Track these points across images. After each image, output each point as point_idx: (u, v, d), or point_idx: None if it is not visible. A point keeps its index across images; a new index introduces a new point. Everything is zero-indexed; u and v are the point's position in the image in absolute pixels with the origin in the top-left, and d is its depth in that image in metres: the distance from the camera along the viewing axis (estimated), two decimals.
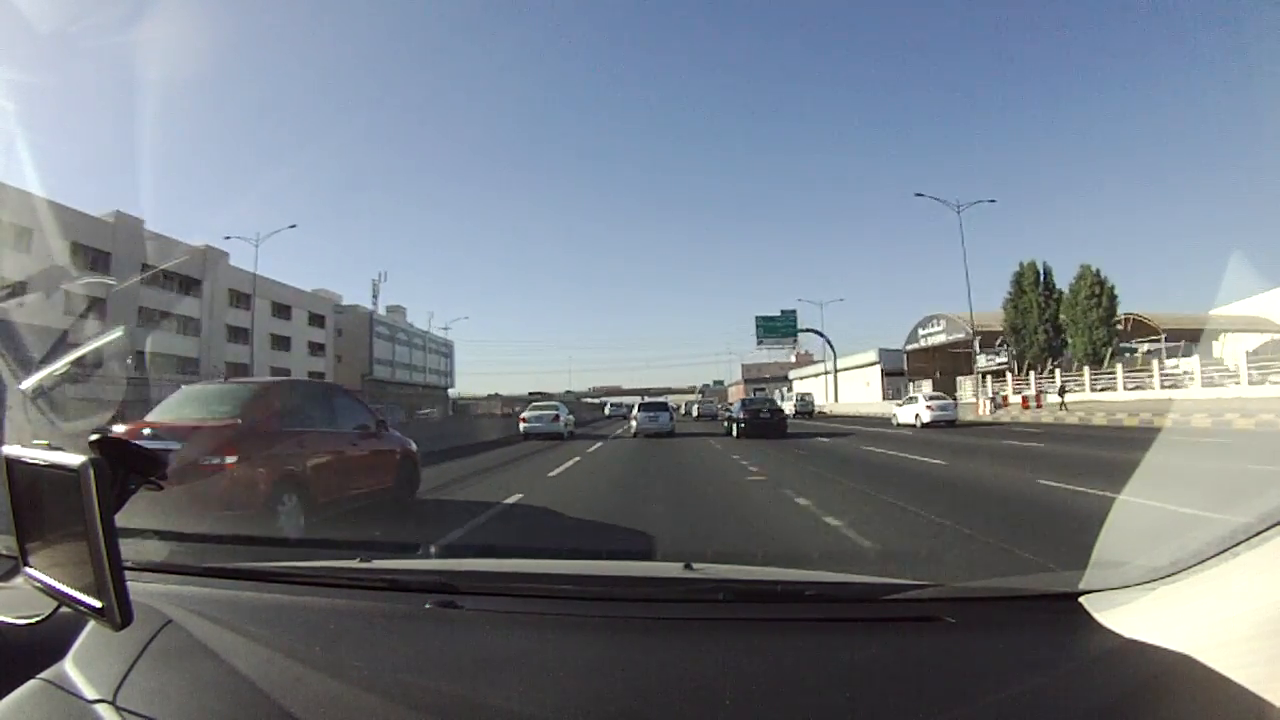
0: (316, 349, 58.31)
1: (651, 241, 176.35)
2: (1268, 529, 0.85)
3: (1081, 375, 33.49)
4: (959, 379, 44.02)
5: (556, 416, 22.21)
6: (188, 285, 43.71)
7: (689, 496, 8.00)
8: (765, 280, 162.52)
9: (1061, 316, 36.17)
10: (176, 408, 5.95)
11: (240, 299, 47.16)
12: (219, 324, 46.01)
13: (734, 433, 20.63)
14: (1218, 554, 0.91)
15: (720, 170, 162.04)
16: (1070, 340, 35.80)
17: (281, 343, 54.16)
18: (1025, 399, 32.04)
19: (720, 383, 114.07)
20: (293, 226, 43.18)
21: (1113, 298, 34.35)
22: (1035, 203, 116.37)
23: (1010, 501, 6.93)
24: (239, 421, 5.50)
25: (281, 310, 54.56)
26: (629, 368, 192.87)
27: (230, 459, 5.12)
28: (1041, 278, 37.45)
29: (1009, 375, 38.53)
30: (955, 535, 5.22)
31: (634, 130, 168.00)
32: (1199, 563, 0.94)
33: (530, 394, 42.46)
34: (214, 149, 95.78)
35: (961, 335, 43.11)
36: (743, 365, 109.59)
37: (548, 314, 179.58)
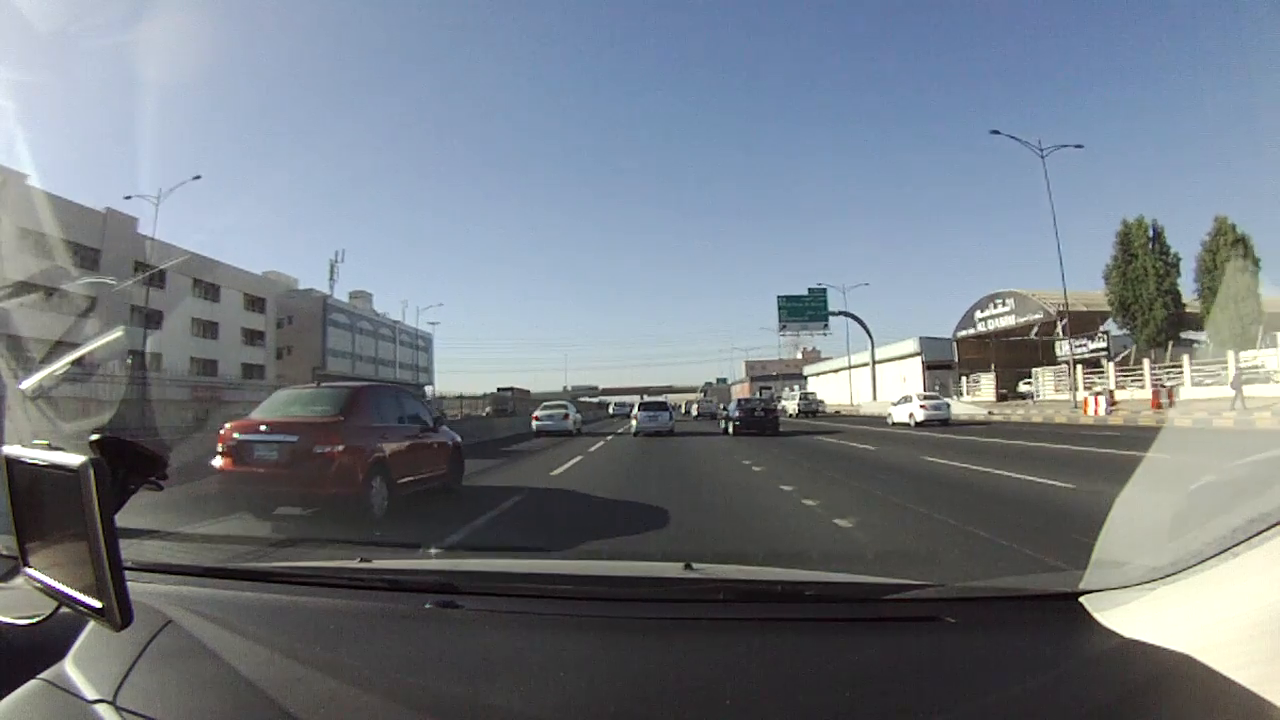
0: (255, 337, 50.37)
1: (651, 236, 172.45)
2: (1268, 529, 0.85)
3: (1223, 362, 24.54)
4: (1036, 371, 36.40)
5: (566, 415, 24.51)
6: (84, 256, 34.91)
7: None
8: (774, 274, 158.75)
9: (1186, 285, 28.50)
10: (281, 407, 7.06)
11: (157, 277, 35.44)
12: (121, 304, 34.85)
13: (729, 430, 21.68)
14: (1218, 554, 0.91)
15: (724, 161, 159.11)
16: (1210, 316, 26.88)
17: (207, 329, 45.62)
18: (1156, 394, 24.93)
19: (724, 380, 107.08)
20: (197, 178, 35.03)
21: (1257, 261, 26.20)
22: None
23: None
24: (341, 418, 6.54)
25: (208, 291, 45.23)
26: (628, 365, 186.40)
27: (338, 448, 6.25)
28: (1153, 237, 29.51)
29: (1108, 364, 30.36)
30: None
31: (631, 122, 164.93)
32: (1199, 563, 0.94)
33: (499, 389, 39.26)
34: (208, 145, 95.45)
35: (1036, 316, 35.48)
36: (747, 363, 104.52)
37: (542, 311, 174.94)
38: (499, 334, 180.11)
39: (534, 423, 24.12)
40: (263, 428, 6.47)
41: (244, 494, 6.45)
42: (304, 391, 7.55)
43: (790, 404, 43.56)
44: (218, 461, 6.52)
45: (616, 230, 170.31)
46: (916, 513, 6.31)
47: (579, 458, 13.57)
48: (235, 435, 6.52)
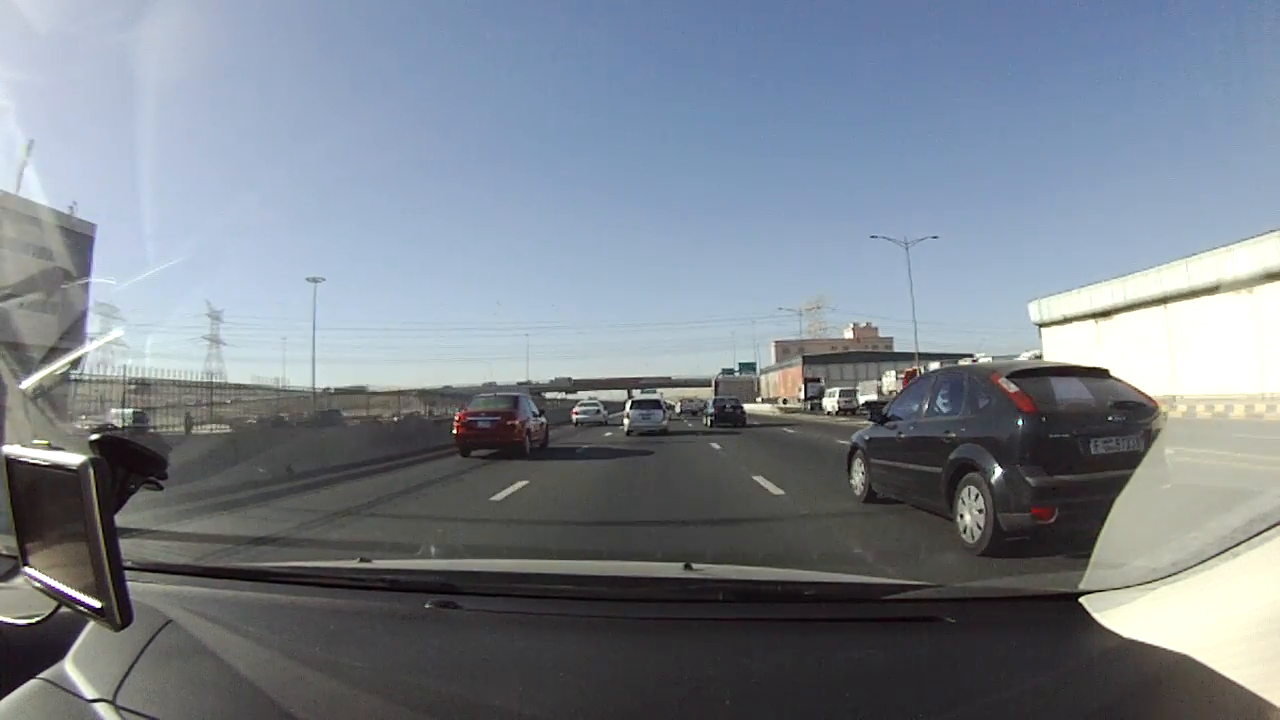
0: None
1: (645, 209, 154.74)
2: (1268, 529, 0.85)
3: None
4: None
5: (599, 411, 33.00)
6: None
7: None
8: (789, 247, 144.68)
9: None
10: (484, 403, 15.05)
11: None
12: None
13: (708, 423, 27.95)
14: (1218, 554, 0.91)
15: (727, 117, 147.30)
16: None
17: None
18: None
19: (749, 367, 74.99)
20: None
21: None
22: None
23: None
24: (515, 409, 14.22)
25: None
26: (620, 353, 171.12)
27: (515, 422, 13.83)
28: None
29: None
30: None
31: (619, 94, 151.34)
32: (1199, 563, 0.94)
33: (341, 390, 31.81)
34: (215, 146, 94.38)
35: None
36: (775, 343, 78.88)
37: (501, 294, 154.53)
38: (442, 318, 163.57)
39: (574, 416, 32.55)
40: (482, 412, 14.28)
41: (472, 443, 13.84)
42: (493, 395, 17.30)
43: (830, 401, 38.26)
44: (455, 430, 14.22)
45: (599, 202, 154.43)
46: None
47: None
48: (468, 417, 14.30)
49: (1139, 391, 5.02)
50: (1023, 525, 4.22)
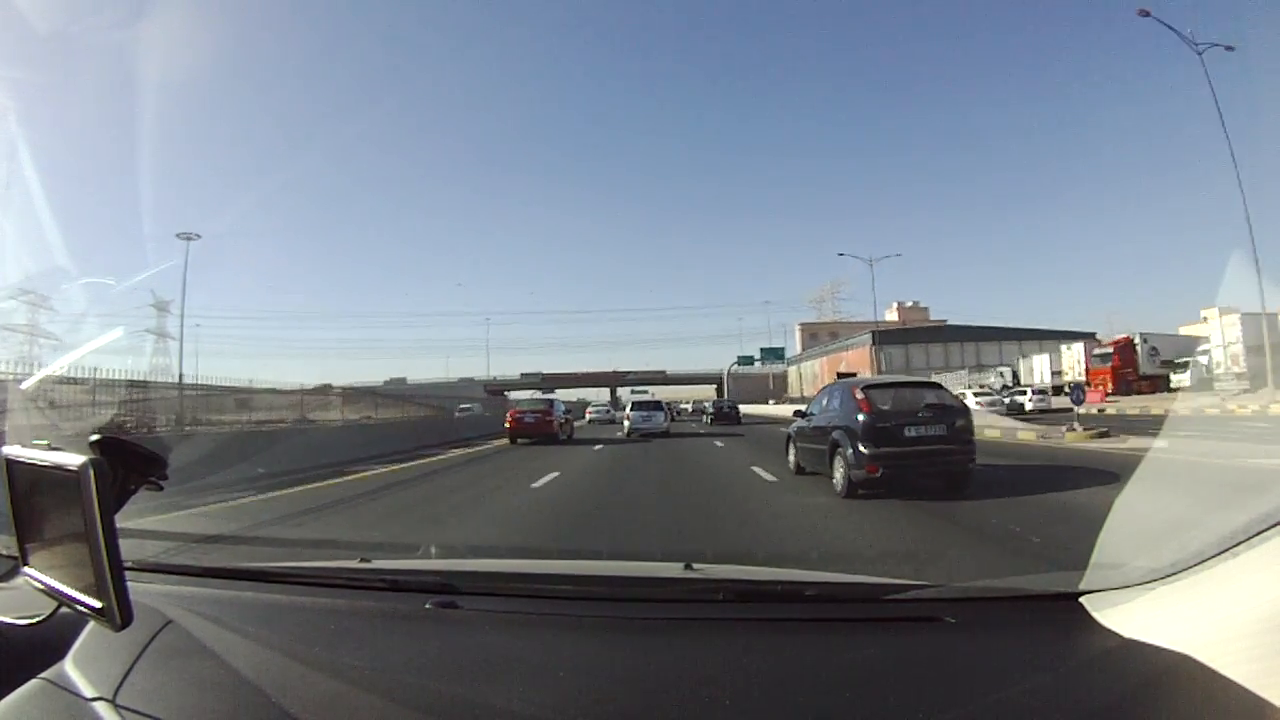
0: None
1: (637, 194, 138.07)
2: (1268, 529, 0.85)
3: None
4: None
5: (609, 410, 38.26)
6: None
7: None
8: (798, 236, 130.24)
9: None
10: (527, 404, 22.09)
11: None
12: None
13: (708, 421, 32.23)
14: (1218, 554, 0.91)
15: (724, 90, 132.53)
16: None
17: None
18: None
19: (775, 353, 56.59)
20: None
21: None
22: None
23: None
24: (551, 408, 21.06)
25: None
26: (611, 346, 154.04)
27: (550, 417, 20.42)
28: None
29: None
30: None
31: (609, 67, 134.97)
32: (1199, 563, 0.94)
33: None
34: (217, 148, 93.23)
35: None
36: (800, 325, 65.29)
37: (468, 281, 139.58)
38: (400, 306, 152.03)
39: (588, 415, 37.11)
40: (527, 410, 20.53)
41: (519, 433, 19.52)
42: (535, 398, 24.84)
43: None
44: (508, 424, 20.13)
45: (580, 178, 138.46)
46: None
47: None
48: (517, 413, 20.32)
49: (955, 398, 8.23)
50: (862, 478, 6.85)
